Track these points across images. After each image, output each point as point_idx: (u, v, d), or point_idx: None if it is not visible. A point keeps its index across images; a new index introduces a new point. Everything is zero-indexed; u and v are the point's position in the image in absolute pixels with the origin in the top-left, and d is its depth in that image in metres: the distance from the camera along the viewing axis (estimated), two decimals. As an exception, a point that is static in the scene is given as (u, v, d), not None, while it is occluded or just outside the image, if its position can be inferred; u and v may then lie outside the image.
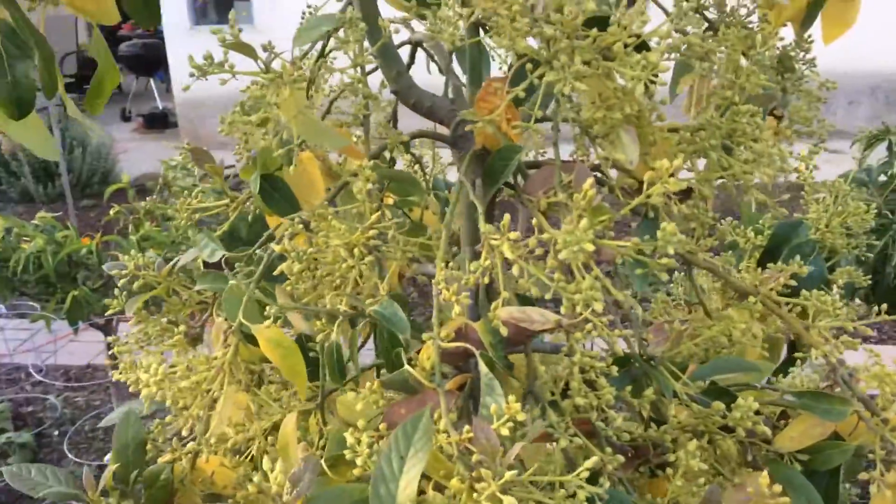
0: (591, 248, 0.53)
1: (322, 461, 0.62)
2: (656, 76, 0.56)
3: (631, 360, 0.70)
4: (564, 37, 0.64)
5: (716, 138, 0.69)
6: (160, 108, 7.67)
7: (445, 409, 0.58)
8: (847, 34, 0.96)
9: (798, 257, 0.84)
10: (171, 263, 0.94)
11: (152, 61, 7.80)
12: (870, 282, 1.16)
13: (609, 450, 0.61)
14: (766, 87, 0.77)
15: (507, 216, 0.58)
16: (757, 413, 0.64)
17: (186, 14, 6.59)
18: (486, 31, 0.89)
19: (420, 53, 0.99)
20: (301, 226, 0.71)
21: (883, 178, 2.24)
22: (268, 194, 0.97)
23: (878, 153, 2.46)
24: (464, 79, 0.85)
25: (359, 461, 0.56)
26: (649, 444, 0.66)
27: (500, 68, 1.01)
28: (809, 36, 0.97)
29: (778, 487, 0.58)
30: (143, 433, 0.73)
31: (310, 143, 0.74)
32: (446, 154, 1.17)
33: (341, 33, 0.71)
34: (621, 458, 0.60)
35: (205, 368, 0.68)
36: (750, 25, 0.85)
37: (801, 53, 0.96)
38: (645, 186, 0.58)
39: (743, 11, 0.90)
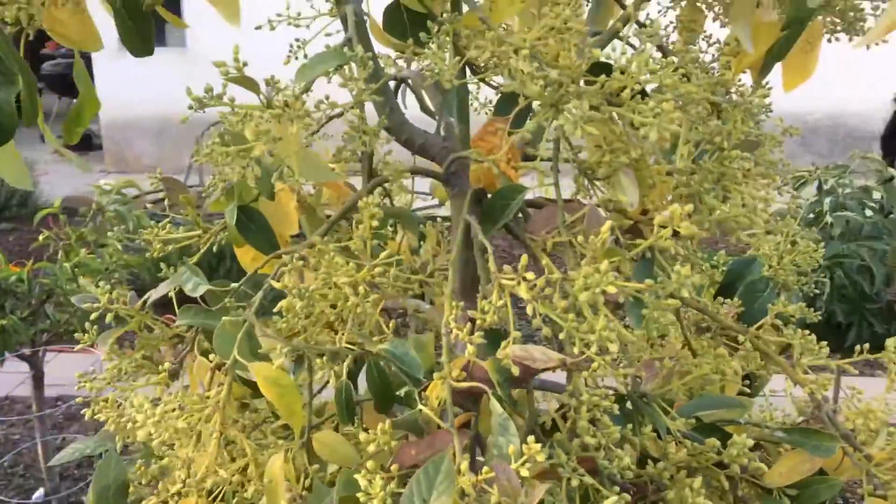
0: (613, 290, 0.54)
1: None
2: (671, 123, 0.58)
3: (626, 397, 0.71)
4: (571, 81, 0.66)
5: (708, 182, 0.72)
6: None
7: (460, 449, 0.58)
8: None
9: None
10: (144, 298, 0.91)
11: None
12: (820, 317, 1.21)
13: (616, 488, 0.61)
14: (747, 134, 0.80)
15: (524, 257, 0.59)
16: (752, 450, 0.66)
17: (114, 34, 6.43)
18: (473, 72, 0.91)
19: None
20: (301, 261, 0.70)
21: (811, 216, 2.35)
22: (244, 226, 0.95)
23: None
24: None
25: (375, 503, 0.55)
26: (647, 481, 0.68)
27: (478, 112, 1.03)
28: (767, 82, 1.02)
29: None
30: (126, 475, 0.70)
31: (307, 178, 0.74)
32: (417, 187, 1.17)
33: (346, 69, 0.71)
34: (628, 497, 0.61)
35: (199, 407, 0.66)
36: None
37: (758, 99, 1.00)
38: (655, 229, 0.60)
39: (707, 57, 0.94)
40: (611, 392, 0.66)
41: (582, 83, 0.67)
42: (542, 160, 0.68)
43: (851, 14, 1.08)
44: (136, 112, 6.16)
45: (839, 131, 5.58)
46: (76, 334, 0.86)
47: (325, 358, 0.66)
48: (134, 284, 3.51)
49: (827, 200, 2.46)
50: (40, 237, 2.64)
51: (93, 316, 0.85)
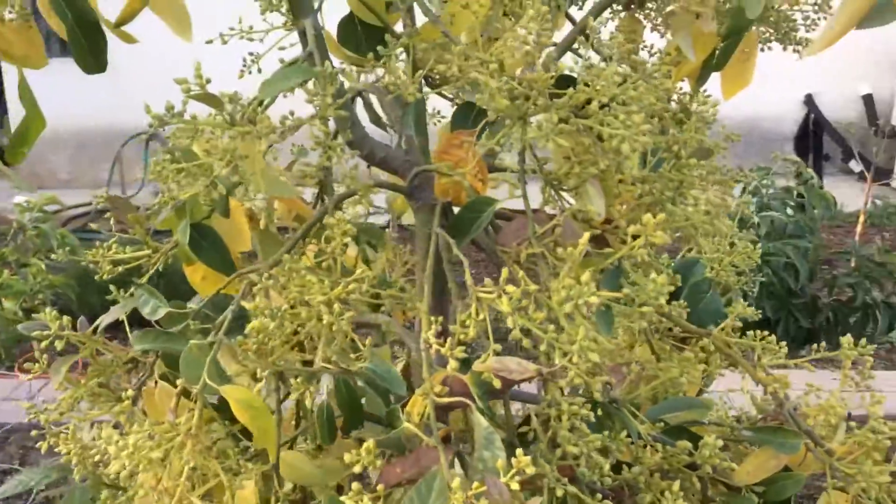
0: (595, 300, 0.55)
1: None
2: (643, 134, 0.60)
3: (598, 405, 0.72)
4: (538, 95, 0.66)
5: (669, 190, 0.73)
6: (-7, 144, 7.13)
7: (447, 465, 0.58)
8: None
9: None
10: (96, 323, 0.88)
11: (-15, 95, 7.27)
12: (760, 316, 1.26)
13: (599, 495, 0.62)
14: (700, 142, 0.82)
15: (505, 270, 0.59)
16: (724, 448, 0.68)
17: (24, 46, 6.18)
18: (429, 85, 0.91)
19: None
20: (270, 281, 0.69)
21: (737, 217, 2.43)
22: (197, 244, 0.93)
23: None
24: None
25: (365, 525, 0.55)
26: (623, 485, 0.69)
27: (434, 122, 1.03)
28: (705, 90, 1.05)
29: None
30: (93, 509, 0.67)
31: (272, 195, 0.72)
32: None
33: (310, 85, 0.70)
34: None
35: (170, 436, 0.64)
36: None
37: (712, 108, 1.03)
38: (629, 239, 0.61)
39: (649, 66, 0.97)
40: (584, 400, 0.67)
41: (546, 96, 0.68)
42: (509, 171, 0.68)
43: (785, 25, 1.12)
44: (50, 126, 5.95)
45: (753, 134, 5.79)
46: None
47: (299, 378, 0.65)
48: (57, 305, 3.38)
49: (752, 201, 2.56)
50: (-43, 259, 2.52)
51: (42, 344, 0.82)
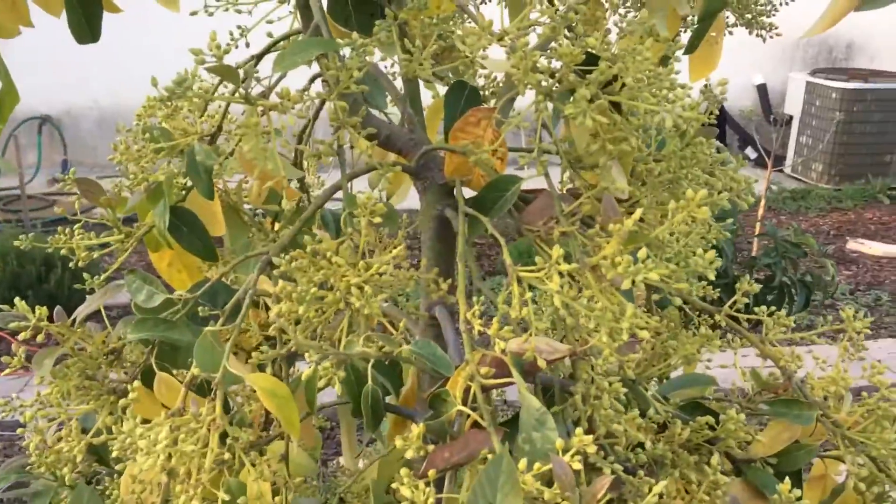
0: (656, 276, 0.55)
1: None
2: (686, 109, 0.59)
3: (626, 383, 0.72)
4: (567, 71, 0.65)
5: (685, 168, 0.74)
6: None
7: (499, 447, 0.57)
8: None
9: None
10: (74, 315, 0.82)
11: None
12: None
13: (641, 472, 0.62)
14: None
15: (556, 248, 0.58)
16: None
17: None
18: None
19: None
20: (294, 263, 0.65)
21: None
22: (176, 228, 0.88)
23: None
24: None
25: (425, 512, 0.53)
26: (652, 462, 0.69)
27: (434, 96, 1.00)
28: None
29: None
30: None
31: (289, 176, 0.69)
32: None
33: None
34: (651, 481, 0.62)
35: (194, 427, 0.60)
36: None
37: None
38: (670, 216, 0.61)
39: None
40: (618, 379, 0.66)
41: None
42: (535, 150, 0.67)
43: (753, 8, 1.15)
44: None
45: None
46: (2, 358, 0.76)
47: (328, 362, 0.62)
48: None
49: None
50: None
51: (21, 336, 0.75)
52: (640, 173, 0.73)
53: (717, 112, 0.80)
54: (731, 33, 1.18)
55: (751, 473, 0.72)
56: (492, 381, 0.59)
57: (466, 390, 0.62)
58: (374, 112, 0.80)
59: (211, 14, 0.82)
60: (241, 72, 0.64)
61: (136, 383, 0.69)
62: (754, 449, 0.72)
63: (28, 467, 0.83)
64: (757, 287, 0.79)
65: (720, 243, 2.59)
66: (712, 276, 0.59)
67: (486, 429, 0.57)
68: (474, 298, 0.61)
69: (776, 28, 1.13)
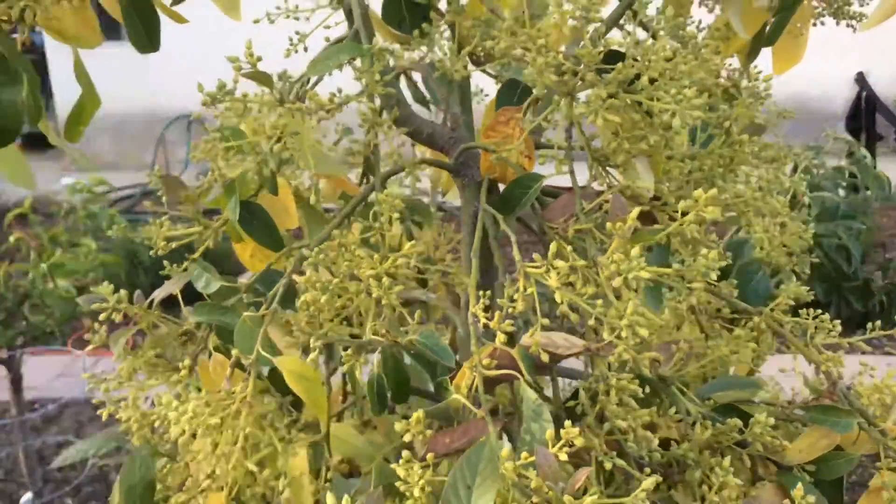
0: (646, 275, 0.55)
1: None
2: (695, 109, 0.59)
3: (646, 381, 0.72)
4: (587, 70, 0.66)
5: (720, 166, 0.73)
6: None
7: (495, 435, 0.59)
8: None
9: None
10: (151, 297, 0.90)
11: (34, 79, 7.43)
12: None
13: (647, 469, 0.62)
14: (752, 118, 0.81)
15: (554, 244, 0.59)
16: (774, 427, 0.68)
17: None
18: (474, 63, 0.91)
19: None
20: (321, 255, 0.70)
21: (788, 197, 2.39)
22: (246, 221, 0.94)
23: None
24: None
25: (415, 492, 0.56)
26: (672, 462, 0.69)
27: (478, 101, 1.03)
28: (756, 66, 1.03)
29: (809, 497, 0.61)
30: (153, 473, 0.70)
31: (322, 172, 0.73)
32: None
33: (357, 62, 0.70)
34: (659, 479, 0.62)
35: (226, 403, 0.65)
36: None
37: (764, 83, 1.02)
38: (679, 214, 0.61)
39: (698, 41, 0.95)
40: (633, 376, 0.67)
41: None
42: (556, 149, 0.68)
43: (838, -1, 1.10)
44: (94, 109, 6.05)
45: (801, 113, 5.67)
46: (59, 335, 0.85)
47: (349, 350, 0.66)
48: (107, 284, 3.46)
49: (806, 179, 2.49)
50: (11, 239, 2.59)
51: (101, 316, 0.84)
52: (669, 172, 0.72)
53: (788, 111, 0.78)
54: (822, 23, 1.12)
55: (784, 480, 0.70)
56: (494, 373, 0.61)
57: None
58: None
59: (272, 22, 0.87)
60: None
61: (186, 361, 0.75)
62: (789, 455, 0.70)
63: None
64: (805, 291, 0.76)
65: (848, 243, 2.44)
66: (713, 277, 0.58)
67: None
68: (480, 293, 0.63)
69: (865, 18, 1.07)
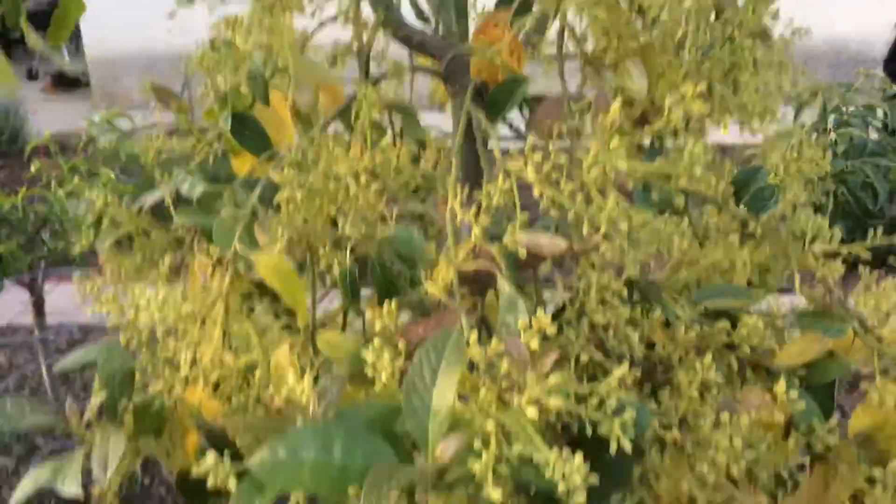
0: (624, 166, 0.53)
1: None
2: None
3: (634, 284, 0.70)
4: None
5: (719, 71, 0.70)
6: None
7: (467, 325, 0.58)
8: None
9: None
10: (139, 203, 0.90)
11: (61, 16, 7.40)
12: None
13: (626, 363, 0.61)
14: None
15: (530, 137, 0.57)
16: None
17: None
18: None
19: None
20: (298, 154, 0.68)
21: (815, 134, 2.33)
22: (239, 132, 0.94)
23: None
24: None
25: (383, 377, 0.55)
26: (656, 363, 0.67)
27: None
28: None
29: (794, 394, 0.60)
30: (131, 362, 0.70)
31: (302, 77, 0.71)
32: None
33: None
34: (637, 373, 0.61)
35: (202, 296, 0.65)
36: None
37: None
38: (666, 111, 0.58)
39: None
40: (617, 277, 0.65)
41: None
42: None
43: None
44: (121, 49, 6.04)
45: (840, 57, 5.50)
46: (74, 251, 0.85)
47: (327, 248, 0.65)
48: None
49: (831, 118, 2.42)
50: (32, 167, 2.60)
51: (89, 219, 0.84)
52: (664, 75, 0.69)
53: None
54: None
55: (773, 382, 0.68)
56: (471, 267, 0.60)
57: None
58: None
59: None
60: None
61: (167, 261, 0.75)
62: (779, 359, 0.69)
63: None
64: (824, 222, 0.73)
65: (874, 181, 2.38)
66: (697, 171, 0.56)
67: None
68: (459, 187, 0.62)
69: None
